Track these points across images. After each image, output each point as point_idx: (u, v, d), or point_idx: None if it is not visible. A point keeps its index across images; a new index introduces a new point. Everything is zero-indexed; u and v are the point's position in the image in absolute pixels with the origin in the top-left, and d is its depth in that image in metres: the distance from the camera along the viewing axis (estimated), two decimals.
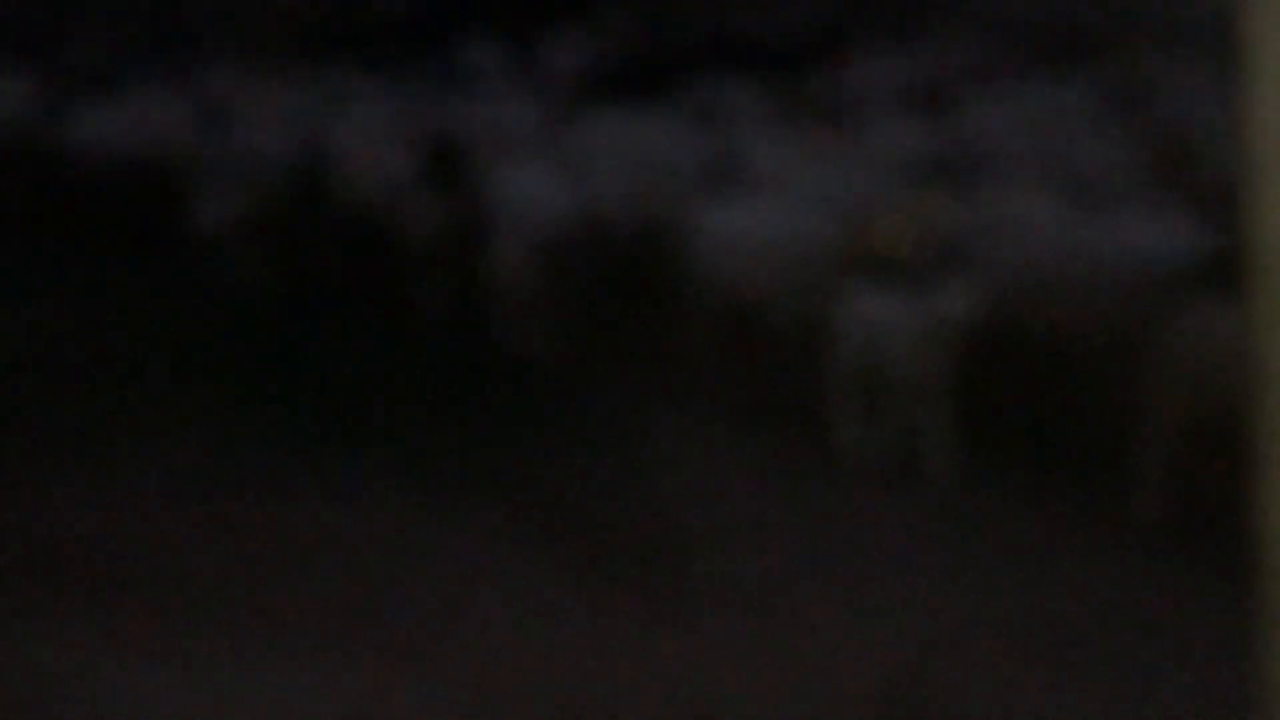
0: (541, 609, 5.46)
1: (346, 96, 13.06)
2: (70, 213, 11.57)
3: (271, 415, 7.63)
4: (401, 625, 5.37)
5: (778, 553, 5.96)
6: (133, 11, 18.93)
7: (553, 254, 8.59)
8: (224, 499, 6.57)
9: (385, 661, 5.06)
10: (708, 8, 18.70)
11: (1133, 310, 6.56)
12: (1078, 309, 6.88)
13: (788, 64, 13.27)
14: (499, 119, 11.53)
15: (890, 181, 8.77)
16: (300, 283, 9.91)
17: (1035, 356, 6.98)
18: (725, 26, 17.21)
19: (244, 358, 8.83)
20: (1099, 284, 6.88)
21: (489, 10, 18.65)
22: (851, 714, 4.71)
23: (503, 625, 5.37)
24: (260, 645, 5.15)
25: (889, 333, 6.59)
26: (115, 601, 5.54)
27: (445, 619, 5.42)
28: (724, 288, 7.98)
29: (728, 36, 16.21)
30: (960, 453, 6.60)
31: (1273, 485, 1.25)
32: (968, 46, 13.65)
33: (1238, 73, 1.22)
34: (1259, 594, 1.33)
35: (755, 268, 7.71)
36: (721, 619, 5.33)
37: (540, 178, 9.32)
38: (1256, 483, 1.26)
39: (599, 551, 5.98)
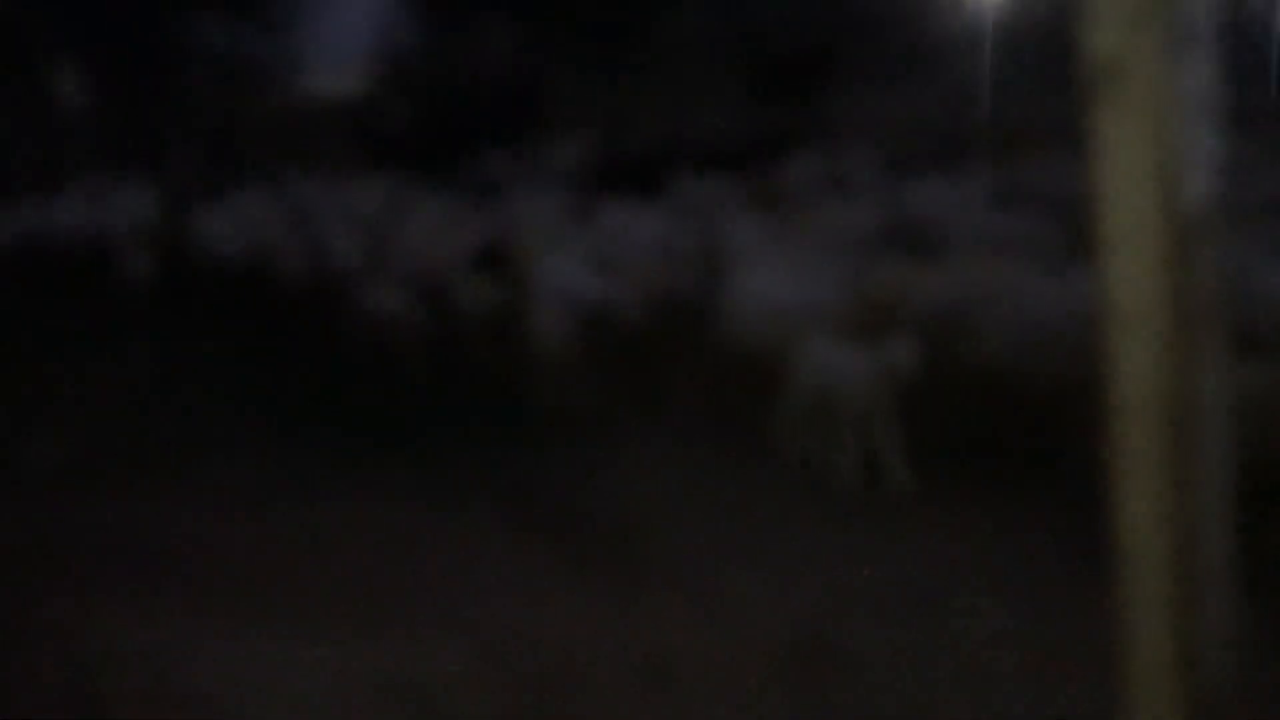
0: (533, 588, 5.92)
1: (397, 199, 13.61)
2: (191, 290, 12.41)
3: (373, 448, 8.10)
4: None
5: (723, 539, 6.31)
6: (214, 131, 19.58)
7: (584, 323, 8.93)
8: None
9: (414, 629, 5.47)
10: (673, 117, 19.29)
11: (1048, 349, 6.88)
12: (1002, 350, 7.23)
13: (741, 163, 13.60)
14: (529, 215, 12.01)
15: (854, 252, 9.10)
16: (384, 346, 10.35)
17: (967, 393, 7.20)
18: (686, 133, 17.64)
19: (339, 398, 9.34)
20: (1015, 329, 7.27)
21: (489, 124, 19.21)
22: (769, 660, 5.11)
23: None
24: (309, 621, 5.59)
25: (853, 376, 6.98)
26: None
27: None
28: (738, 343, 8.29)
29: (690, 141, 16.54)
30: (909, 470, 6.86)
31: (1122, 489, 1.28)
32: (886, 146, 13.95)
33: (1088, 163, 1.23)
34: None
35: (768, 326, 7.99)
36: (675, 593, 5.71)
37: (570, 262, 9.70)
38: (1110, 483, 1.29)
39: (591, 543, 6.41)
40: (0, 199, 15.65)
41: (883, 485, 6.86)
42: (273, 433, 8.52)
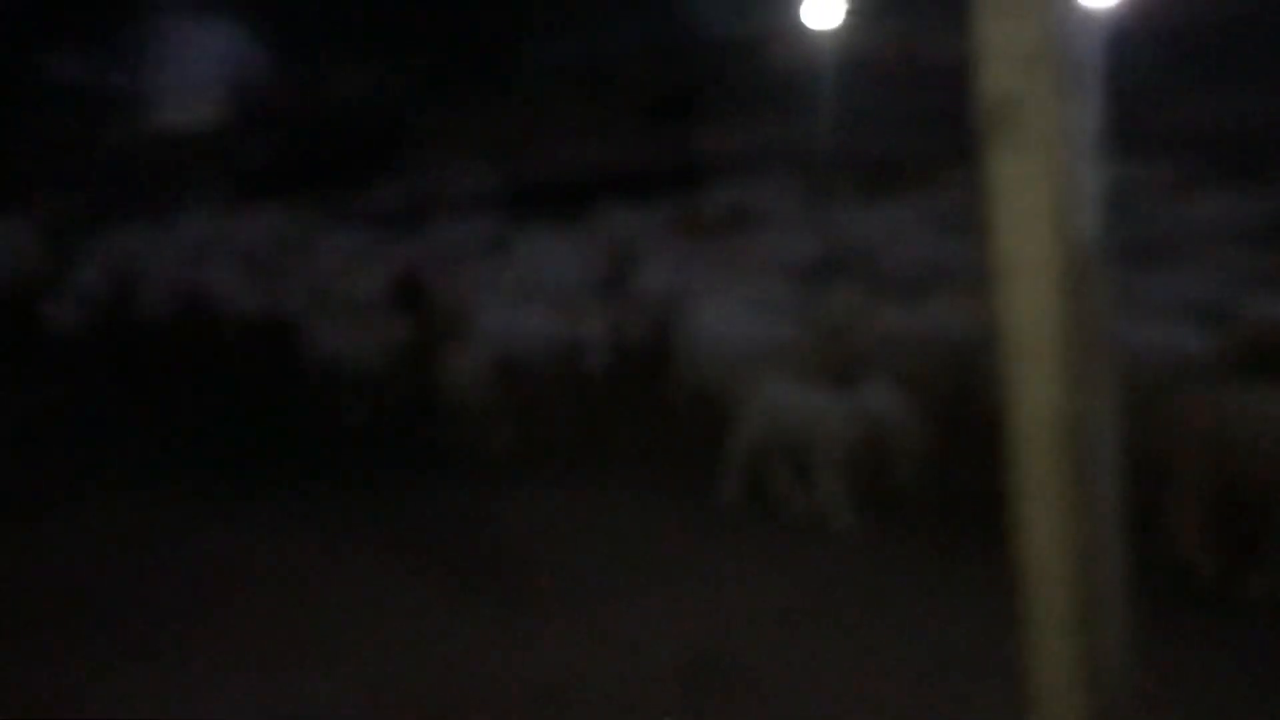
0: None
1: (290, 231, 13.01)
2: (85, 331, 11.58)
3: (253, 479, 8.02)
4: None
5: (627, 569, 6.26)
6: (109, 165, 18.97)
7: (514, 361, 8.25)
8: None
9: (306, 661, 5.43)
10: (550, 147, 18.96)
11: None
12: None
13: (646, 192, 13.04)
14: (442, 246, 11.38)
15: (798, 282, 8.70)
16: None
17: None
18: (568, 162, 17.35)
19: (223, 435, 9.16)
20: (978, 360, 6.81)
21: (360, 155, 18.93)
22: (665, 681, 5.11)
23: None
24: (200, 658, 5.52)
25: (827, 421, 6.56)
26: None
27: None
28: (686, 380, 7.83)
29: (607, 169, 16.14)
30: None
31: (1023, 510, 1.32)
32: (812, 177, 13.53)
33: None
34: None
35: (719, 362, 7.49)
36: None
37: (497, 297, 9.04)
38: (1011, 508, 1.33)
39: (490, 575, 6.34)
40: None
41: (832, 523, 6.53)
42: (161, 472, 8.36)
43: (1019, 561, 1.35)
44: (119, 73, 22.03)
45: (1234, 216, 9.10)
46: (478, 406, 8.25)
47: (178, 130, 21.86)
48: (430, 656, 5.47)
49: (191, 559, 6.77)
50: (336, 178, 16.81)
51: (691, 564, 6.31)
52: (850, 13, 18.77)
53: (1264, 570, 5.31)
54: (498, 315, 8.61)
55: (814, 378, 7.00)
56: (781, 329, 7.57)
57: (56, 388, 10.78)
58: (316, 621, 5.89)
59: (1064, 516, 1.31)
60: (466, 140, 19.51)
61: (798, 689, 5.02)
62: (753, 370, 7.08)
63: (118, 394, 10.48)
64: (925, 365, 7.00)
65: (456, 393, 8.32)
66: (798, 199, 12.42)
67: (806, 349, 7.29)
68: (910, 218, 10.61)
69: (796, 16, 19.10)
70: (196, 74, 22.03)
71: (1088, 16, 1.22)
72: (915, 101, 16.45)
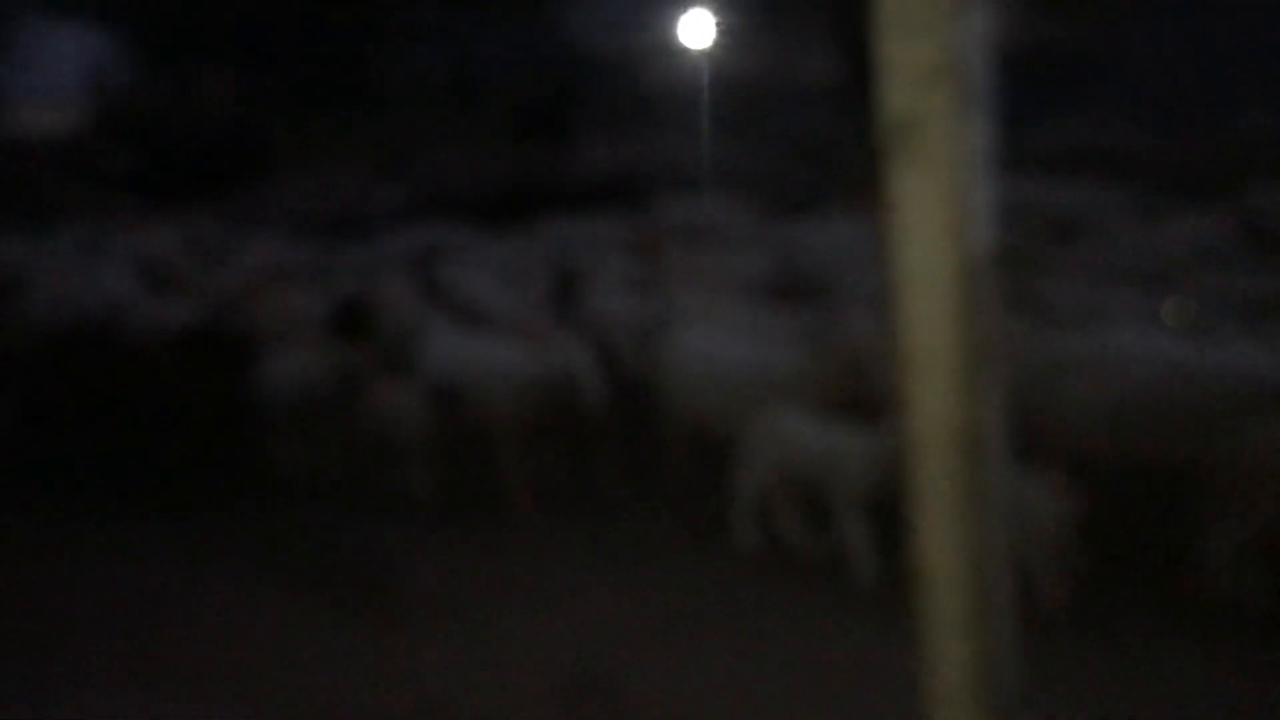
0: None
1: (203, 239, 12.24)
2: None
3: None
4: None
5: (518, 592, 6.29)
6: None
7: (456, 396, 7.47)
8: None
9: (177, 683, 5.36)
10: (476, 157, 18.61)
11: None
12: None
13: (606, 204, 12.60)
14: (386, 259, 10.66)
15: (757, 302, 8.27)
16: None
17: None
18: (552, 174, 17.02)
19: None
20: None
21: (267, 160, 18.51)
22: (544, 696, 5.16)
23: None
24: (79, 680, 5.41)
25: (848, 458, 6.06)
26: None
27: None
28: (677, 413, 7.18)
29: (553, 182, 15.92)
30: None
31: (920, 517, 1.33)
32: (749, 193, 13.18)
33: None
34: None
35: (713, 390, 6.92)
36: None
37: (450, 323, 8.24)
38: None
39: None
40: None
41: (855, 572, 6.13)
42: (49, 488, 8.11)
43: (915, 566, 1.38)
44: None
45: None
46: (414, 445, 7.52)
47: (37, 136, 21.04)
48: (305, 678, 5.42)
49: (70, 585, 6.64)
50: (211, 186, 16.29)
51: (577, 579, 6.36)
52: (724, 32, 18.98)
53: None
54: (448, 342, 7.75)
55: (827, 408, 6.49)
56: (781, 354, 7.00)
57: None
58: (189, 645, 5.83)
59: (958, 521, 1.34)
60: (342, 149, 19.14)
61: (680, 703, 5.04)
62: (756, 401, 6.55)
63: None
64: None
65: (389, 430, 7.57)
66: (745, 215, 11.99)
67: (818, 376, 6.72)
68: (866, 234, 10.24)
69: (672, 34, 19.25)
70: (56, 78, 21.25)
71: (983, 37, 1.25)
72: (793, 120, 16.74)
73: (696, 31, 19.23)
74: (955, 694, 1.34)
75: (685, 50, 19.59)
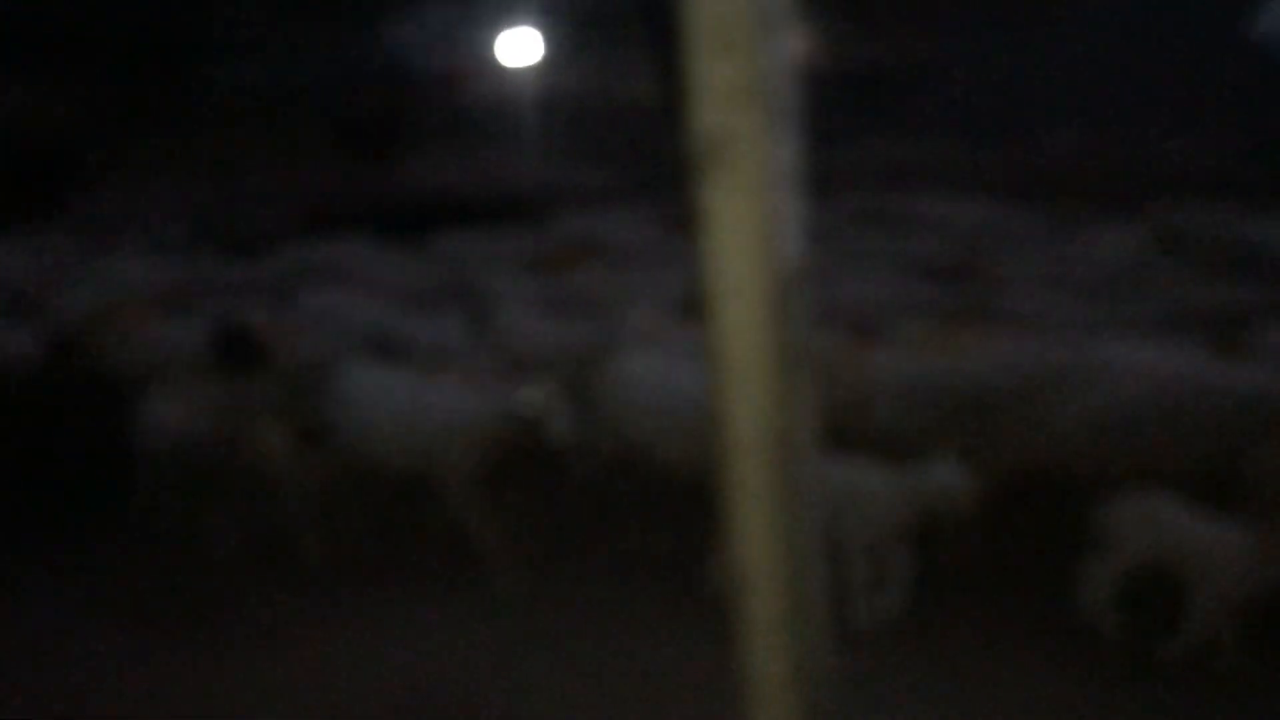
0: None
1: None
2: None
3: None
4: None
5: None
6: None
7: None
8: None
9: None
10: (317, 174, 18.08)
11: None
12: None
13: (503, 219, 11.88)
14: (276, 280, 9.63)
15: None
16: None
17: None
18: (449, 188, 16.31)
19: None
20: None
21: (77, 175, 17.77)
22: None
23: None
24: None
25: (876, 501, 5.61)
26: None
27: None
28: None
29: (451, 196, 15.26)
30: None
31: (736, 524, 1.37)
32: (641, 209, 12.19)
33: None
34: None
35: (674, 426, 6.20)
36: None
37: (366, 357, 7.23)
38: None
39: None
40: None
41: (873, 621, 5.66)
42: None
43: (735, 570, 1.42)
44: None
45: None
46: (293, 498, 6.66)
47: None
48: (114, 700, 5.31)
49: None
50: (28, 202, 15.35)
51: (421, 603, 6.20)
52: (547, 50, 19.06)
53: None
54: (371, 382, 6.74)
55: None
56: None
57: None
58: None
59: (770, 525, 1.37)
60: (176, 163, 18.41)
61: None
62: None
63: None
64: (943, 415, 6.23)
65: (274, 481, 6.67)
66: (648, 230, 11.09)
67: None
68: None
69: (492, 52, 19.25)
70: None
71: (791, 56, 1.31)
72: (619, 136, 16.76)
73: (519, 50, 19.26)
74: (771, 694, 1.38)
75: (510, 69, 19.58)
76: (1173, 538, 5.22)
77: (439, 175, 17.55)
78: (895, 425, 6.32)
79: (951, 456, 5.53)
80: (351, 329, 7.88)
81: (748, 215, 1.29)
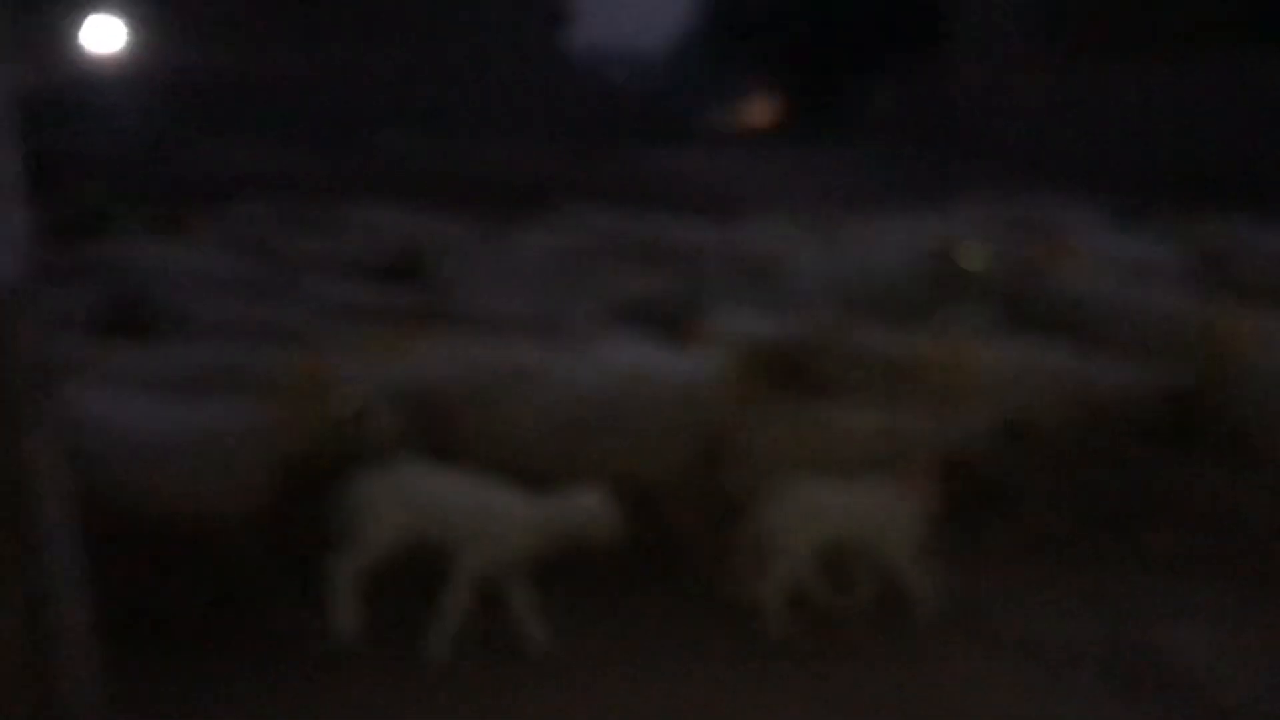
0: None
1: None
2: None
3: None
4: None
5: None
6: None
7: None
8: None
9: None
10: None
11: None
12: None
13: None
14: None
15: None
16: None
17: None
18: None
19: None
20: None
21: None
22: None
23: None
24: None
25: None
26: None
27: None
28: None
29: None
30: None
31: None
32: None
33: None
34: None
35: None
36: None
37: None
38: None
39: None
40: None
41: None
42: None
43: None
44: None
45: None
46: None
47: None
48: None
49: None
50: None
51: None
52: (132, 36, 18.04)
53: None
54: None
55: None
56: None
57: None
58: None
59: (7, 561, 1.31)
60: None
61: None
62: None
63: None
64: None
65: None
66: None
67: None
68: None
69: (75, 40, 17.96)
70: None
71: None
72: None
73: (103, 36, 18.39)
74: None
75: (95, 55, 18.65)
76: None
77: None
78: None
79: (597, 488, 5.24)
80: None
81: None
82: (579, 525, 5.16)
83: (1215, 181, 15.78)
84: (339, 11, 26.80)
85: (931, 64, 31.06)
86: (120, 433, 5.49)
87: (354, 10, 26.93)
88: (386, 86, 27.66)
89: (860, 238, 10.14)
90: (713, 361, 6.27)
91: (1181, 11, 23.30)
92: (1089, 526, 6.51)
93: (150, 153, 21.20)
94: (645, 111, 32.81)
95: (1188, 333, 7.00)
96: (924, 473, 5.53)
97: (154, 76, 23.15)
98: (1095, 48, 25.32)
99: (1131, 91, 24.22)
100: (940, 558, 5.57)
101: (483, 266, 9.12)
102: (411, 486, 5.26)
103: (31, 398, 1.31)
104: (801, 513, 5.40)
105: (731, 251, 9.63)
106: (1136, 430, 6.57)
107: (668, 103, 34.99)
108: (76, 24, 18.96)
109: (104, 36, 18.84)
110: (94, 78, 20.55)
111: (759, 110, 37.35)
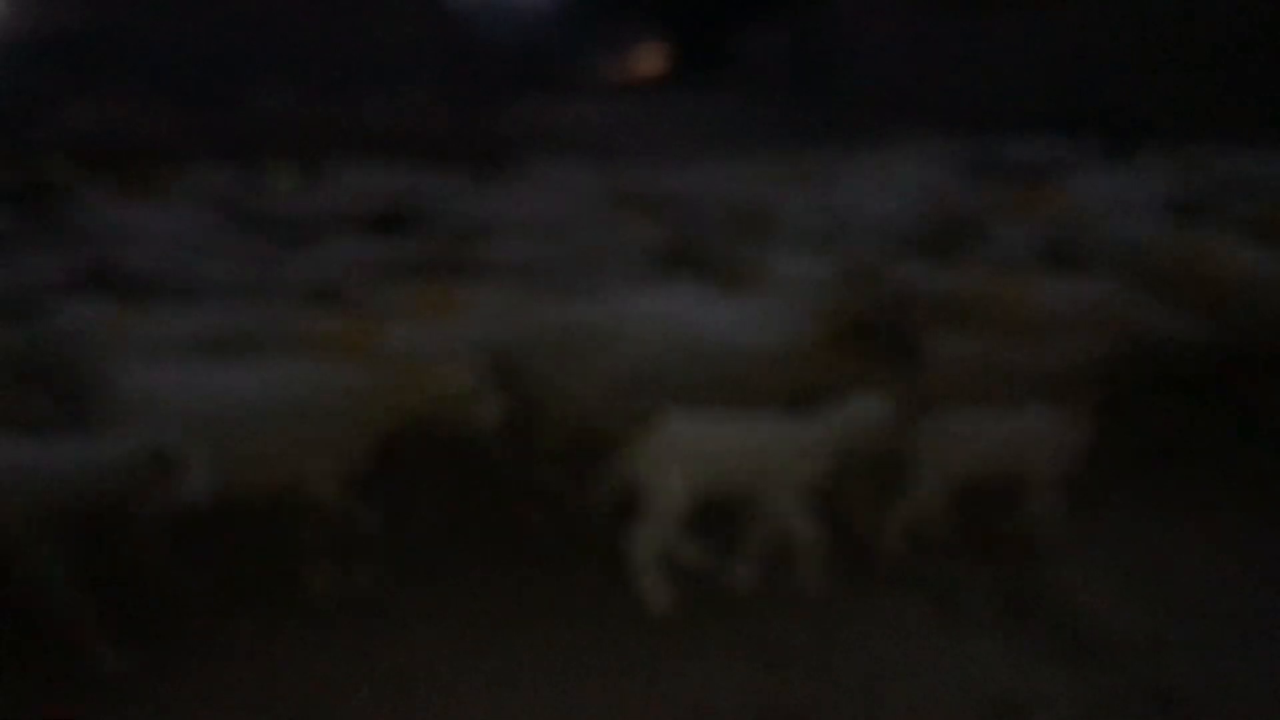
0: None
1: None
2: None
3: None
4: None
5: None
6: None
7: None
8: None
9: None
10: None
11: None
12: None
13: None
14: None
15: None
16: None
17: None
18: None
19: None
20: None
21: None
22: None
23: None
24: None
25: None
26: None
27: None
28: None
29: None
30: None
31: None
32: None
33: None
34: None
35: None
36: None
37: None
38: None
39: None
40: None
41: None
42: None
43: None
44: None
45: None
46: None
47: None
48: None
49: None
50: None
51: None
52: None
53: None
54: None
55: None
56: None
57: None
58: None
59: None
60: None
61: None
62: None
63: None
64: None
65: None
66: None
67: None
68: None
69: None
70: None
71: None
72: None
73: None
74: None
75: None
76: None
77: None
78: None
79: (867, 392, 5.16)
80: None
81: None
82: (864, 432, 5.09)
83: (1086, 123, 16.12)
84: None
85: (807, 12, 31.38)
86: (207, 401, 5.07)
87: None
88: (270, 45, 26.83)
89: (844, 181, 10.11)
90: (786, 309, 6.05)
91: None
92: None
93: (24, 115, 20.30)
94: (534, 65, 32.49)
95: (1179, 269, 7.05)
96: (1085, 403, 5.51)
97: (26, 37, 22.14)
98: None
99: (1001, 37, 24.85)
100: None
101: (488, 217, 8.80)
102: (694, 443, 5.04)
103: None
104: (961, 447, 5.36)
105: (724, 199, 9.47)
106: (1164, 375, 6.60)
107: (556, 56, 34.72)
108: None
109: None
110: None
111: (646, 60, 37.29)
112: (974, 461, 5.39)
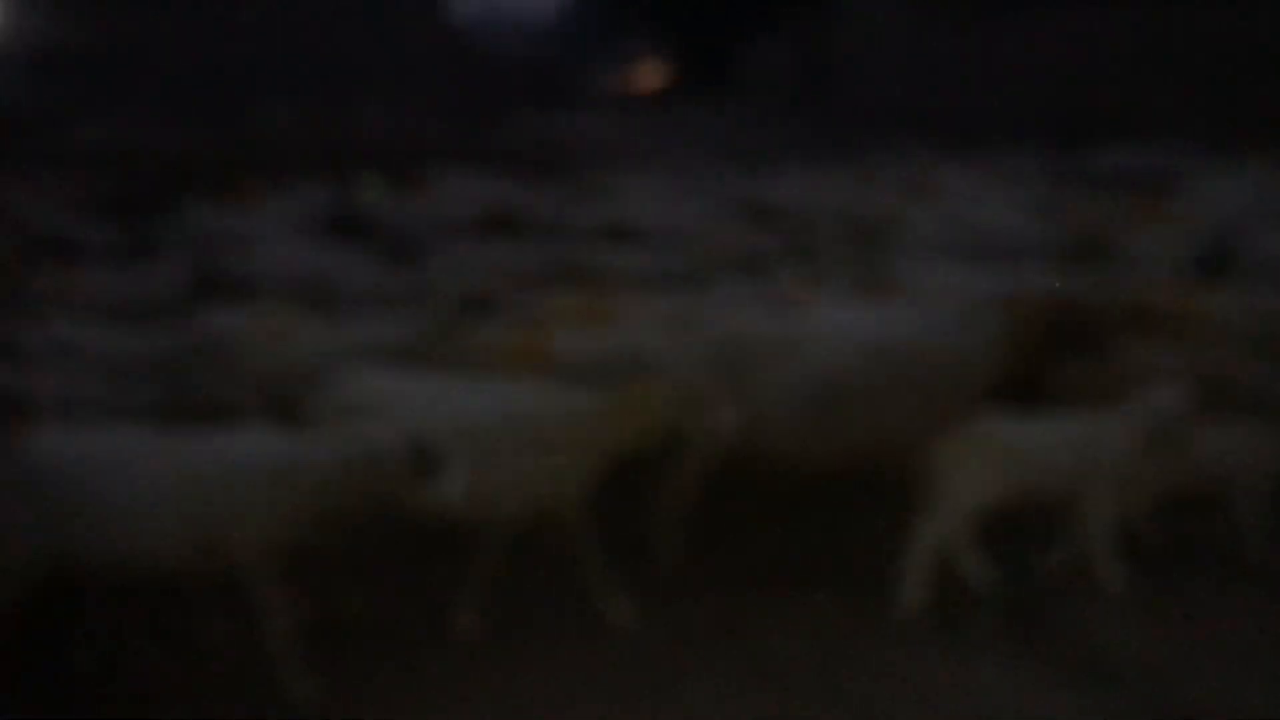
0: None
1: None
2: None
3: None
4: None
5: None
6: None
7: None
8: None
9: None
10: None
11: None
12: None
13: None
14: None
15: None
16: None
17: None
18: None
19: None
20: None
21: None
22: None
23: None
24: None
25: None
26: None
27: None
28: None
29: None
30: None
31: None
32: None
33: None
34: None
35: None
36: None
37: None
38: None
39: None
40: None
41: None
42: None
43: None
44: None
45: None
46: None
47: None
48: None
49: None
50: None
51: None
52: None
53: None
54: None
55: None
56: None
57: None
58: None
59: None
60: None
61: None
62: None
63: None
64: None
65: None
66: None
67: None
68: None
69: None
70: None
71: None
72: None
73: None
74: None
75: None
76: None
77: None
78: None
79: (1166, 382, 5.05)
80: None
81: None
82: (1169, 422, 4.91)
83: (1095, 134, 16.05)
84: None
85: (810, 27, 31.37)
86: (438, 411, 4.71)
87: None
88: (271, 59, 26.58)
89: (946, 194, 9.94)
90: (957, 315, 5.87)
91: None
92: None
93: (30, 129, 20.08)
94: (535, 78, 32.31)
95: None
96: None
97: (29, 51, 21.95)
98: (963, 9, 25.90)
99: (1003, 51, 24.90)
100: None
101: (596, 225, 8.59)
102: (1012, 443, 4.87)
103: None
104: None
105: (838, 210, 9.26)
106: None
107: (557, 70, 34.52)
108: None
109: None
110: None
111: (650, 75, 37.14)
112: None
